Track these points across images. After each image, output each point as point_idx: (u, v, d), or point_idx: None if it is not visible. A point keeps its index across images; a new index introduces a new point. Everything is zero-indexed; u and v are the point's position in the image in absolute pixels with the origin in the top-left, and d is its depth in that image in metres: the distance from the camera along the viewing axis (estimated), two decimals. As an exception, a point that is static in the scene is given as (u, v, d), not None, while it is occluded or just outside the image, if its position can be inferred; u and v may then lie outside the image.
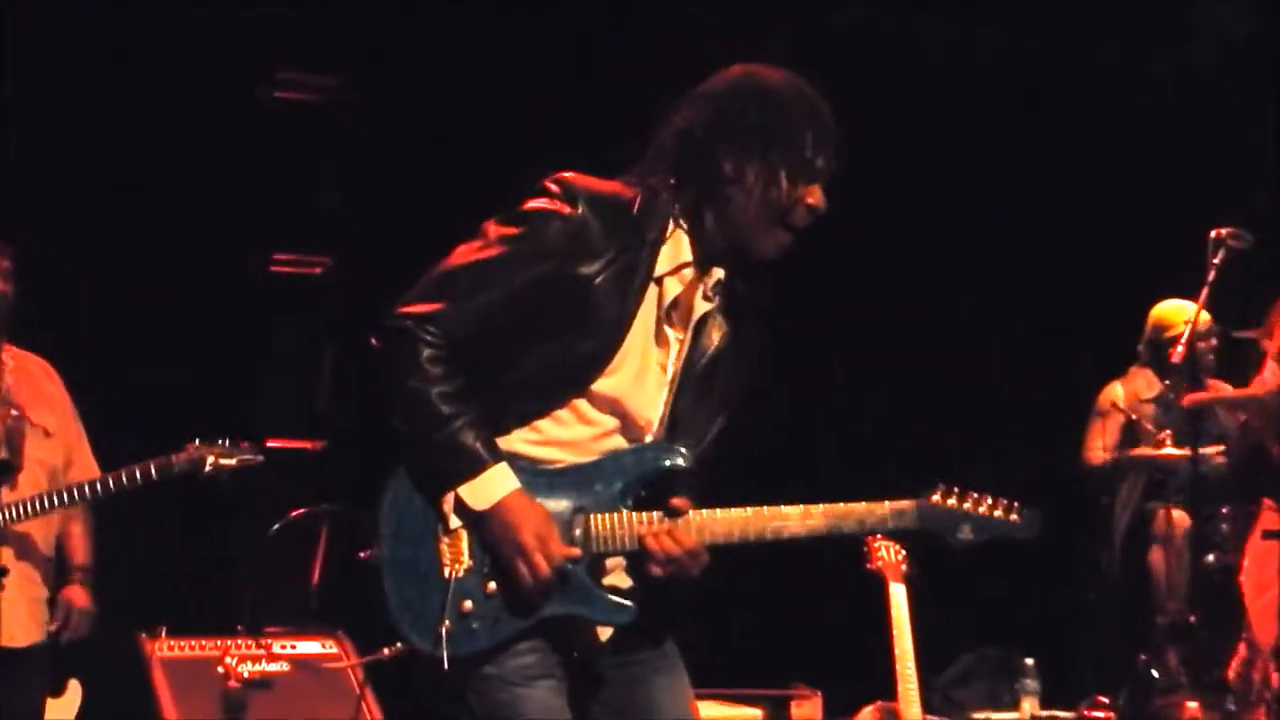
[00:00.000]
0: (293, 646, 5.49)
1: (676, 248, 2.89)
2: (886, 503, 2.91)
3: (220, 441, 4.93)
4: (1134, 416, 6.65)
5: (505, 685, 2.86)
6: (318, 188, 6.92)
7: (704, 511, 2.88)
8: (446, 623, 2.81)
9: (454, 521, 2.84)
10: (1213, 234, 5.45)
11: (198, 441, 4.91)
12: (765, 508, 2.89)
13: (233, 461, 4.94)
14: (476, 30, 7.02)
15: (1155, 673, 6.38)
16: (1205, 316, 6.20)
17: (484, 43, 7.04)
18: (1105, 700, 6.42)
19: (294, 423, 6.71)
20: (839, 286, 7.43)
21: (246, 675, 5.31)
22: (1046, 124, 7.96)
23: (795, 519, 2.88)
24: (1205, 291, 5.68)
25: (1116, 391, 6.90)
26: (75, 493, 4.88)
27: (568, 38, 7.00)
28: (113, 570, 6.01)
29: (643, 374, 2.91)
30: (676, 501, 2.87)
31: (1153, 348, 6.82)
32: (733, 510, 2.89)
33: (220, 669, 5.31)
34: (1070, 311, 7.65)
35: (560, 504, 2.88)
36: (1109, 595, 6.95)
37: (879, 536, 5.46)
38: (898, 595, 5.34)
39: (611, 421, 2.91)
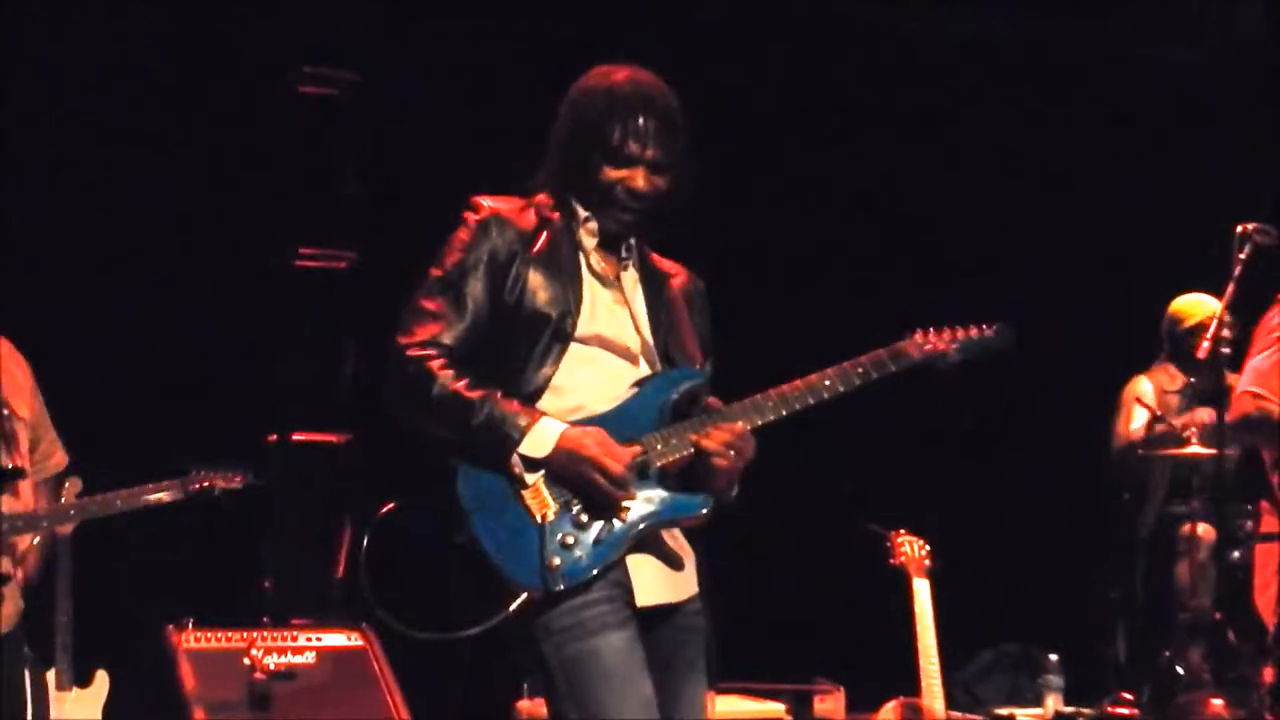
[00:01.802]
0: (318, 638, 5.51)
1: (579, 218, 3.31)
2: (881, 350, 3.35)
3: (218, 466, 5.08)
4: (1159, 411, 6.65)
5: (583, 635, 3.07)
6: (341, 182, 6.92)
7: (739, 403, 3.24)
8: (556, 559, 3.06)
9: (529, 477, 3.11)
10: (1239, 228, 5.43)
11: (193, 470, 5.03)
12: (783, 385, 3.27)
13: (236, 485, 5.09)
14: (500, 22, 7.04)
15: (1179, 669, 6.37)
16: (1214, 309, 6.19)
17: (507, 35, 7.06)
18: (1129, 697, 6.42)
19: (319, 416, 6.71)
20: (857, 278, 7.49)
21: (272, 667, 5.34)
22: (1069, 115, 7.95)
23: (816, 384, 3.27)
24: (1231, 286, 5.67)
25: (1142, 385, 6.90)
26: (79, 510, 4.90)
27: (591, 29, 7.01)
28: (139, 562, 6.07)
29: (609, 310, 3.28)
30: (711, 400, 3.25)
31: (1171, 340, 6.84)
32: (757, 395, 3.26)
33: (246, 660, 5.34)
34: (1093, 306, 7.65)
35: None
36: (1132, 592, 6.95)
37: (902, 533, 5.49)
38: (921, 590, 5.36)
39: (602, 354, 3.24)
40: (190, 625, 5.42)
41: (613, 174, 3.25)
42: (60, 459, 4.99)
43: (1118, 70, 7.97)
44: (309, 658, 5.44)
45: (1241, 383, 4.87)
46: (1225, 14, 7.81)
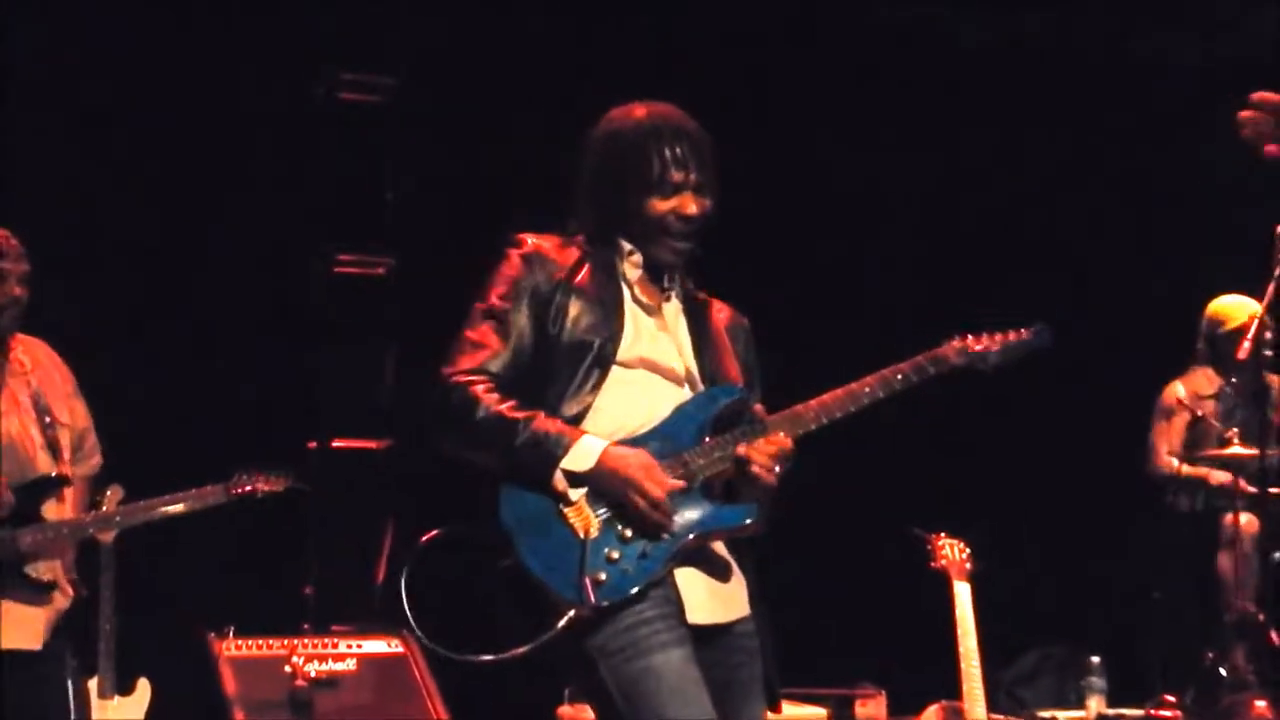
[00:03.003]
0: (359, 645, 5.53)
1: (623, 251, 3.33)
2: (921, 355, 3.36)
3: (261, 469, 5.10)
4: (1199, 413, 6.62)
5: (639, 654, 3.05)
6: (380, 188, 6.94)
7: (780, 414, 3.24)
8: (602, 574, 3.06)
9: (573, 494, 3.11)
10: (1278, 229, 5.38)
11: (238, 474, 5.06)
12: (825, 395, 3.28)
13: (279, 489, 5.11)
14: (535, 27, 7.05)
15: (1222, 670, 6.33)
16: (1254, 310, 6.15)
17: (543, 39, 7.08)
18: (1172, 699, 6.38)
19: (359, 422, 6.74)
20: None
21: (313, 674, 5.36)
22: (1102, 117, 7.92)
23: (857, 392, 3.29)
24: (1272, 287, 5.62)
25: (1178, 390, 6.87)
26: (123, 517, 4.94)
27: (626, 32, 7.01)
28: (181, 570, 6.10)
29: (653, 336, 3.29)
30: (757, 408, 3.24)
31: (1210, 343, 6.81)
32: (797, 406, 3.26)
33: (287, 668, 5.36)
34: (1129, 310, 7.61)
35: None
36: (1176, 593, 6.91)
37: (943, 536, 5.47)
38: (962, 593, 5.33)
39: (647, 376, 3.25)
40: (231, 633, 5.45)
41: (662, 206, 3.26)
42: (97, 460, 5.03)
43: (1143, 70, 7.93)
44: (350, 665, 5.46)
45: None
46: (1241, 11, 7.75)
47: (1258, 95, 3.21)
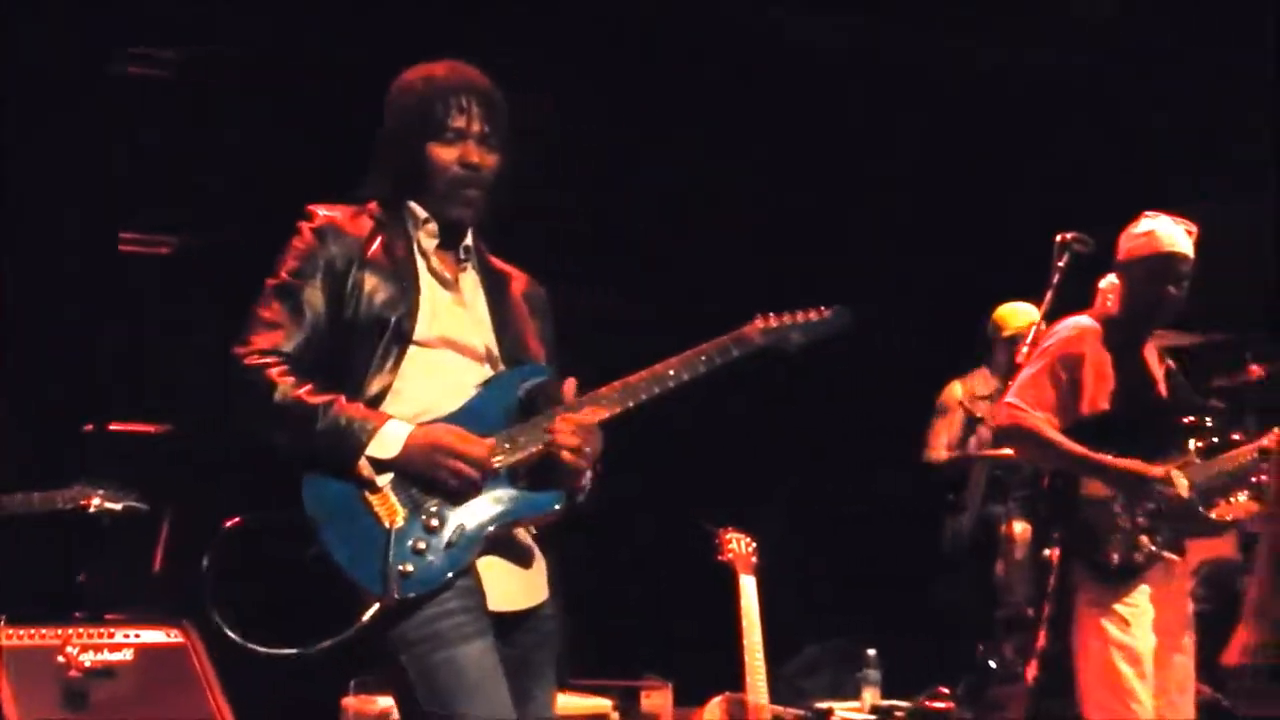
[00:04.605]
0: (136, 635, 5.39)
1: (418, 219, 3.30)
2: (725, 336, 3.36)
3: (107, 485, 5.00)
4: (977, 414, 6.80)
5: (440, 646, 3.03)
6: (166, 166, 6.78)
7: (585, 396, 3.23)
8: (408, 565, 3.02)
9: (379, 480, 3.07)
10: (1058, 238, 5.52)
11: (81, 484, 4.90)
12: (630, 376, 3.27)
13: (117, 507, 4.98)
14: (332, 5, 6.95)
15: (991, 663, 6.51)
16: (1034, 318, 6.32)
17: (336, 17, 6.97)
18: (945, 690, 6.55)
19: (137, 405, 6.58)
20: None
21: (88, 664, 5.21)
22: (892, 120, 8.07)
23: (661, 374, 3.27)
24: (1050, 294, 5.78)
25: (956, 390, 7.12)
26: None
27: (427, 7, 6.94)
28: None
29: (451, 312, 3.26)
30: (565, 389, 3.23)
31: (990, 347, 7.03)
32: (602, 388, 3.25)
33: (60, 658, 5.20)
34: (921, 310, 7.77)
35: None
36: (950, 588, 7.09)
37: (729, 530, 5.54)
38: (747, 587, 5.41)
39: (448, 355, 3.22)
40: (3, 622, 5.26)
41: (444, 153, 3.24)
42: None
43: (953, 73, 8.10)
44: (127, 655, 5.31)
45: (1008, 394, 5.05)
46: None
47: None
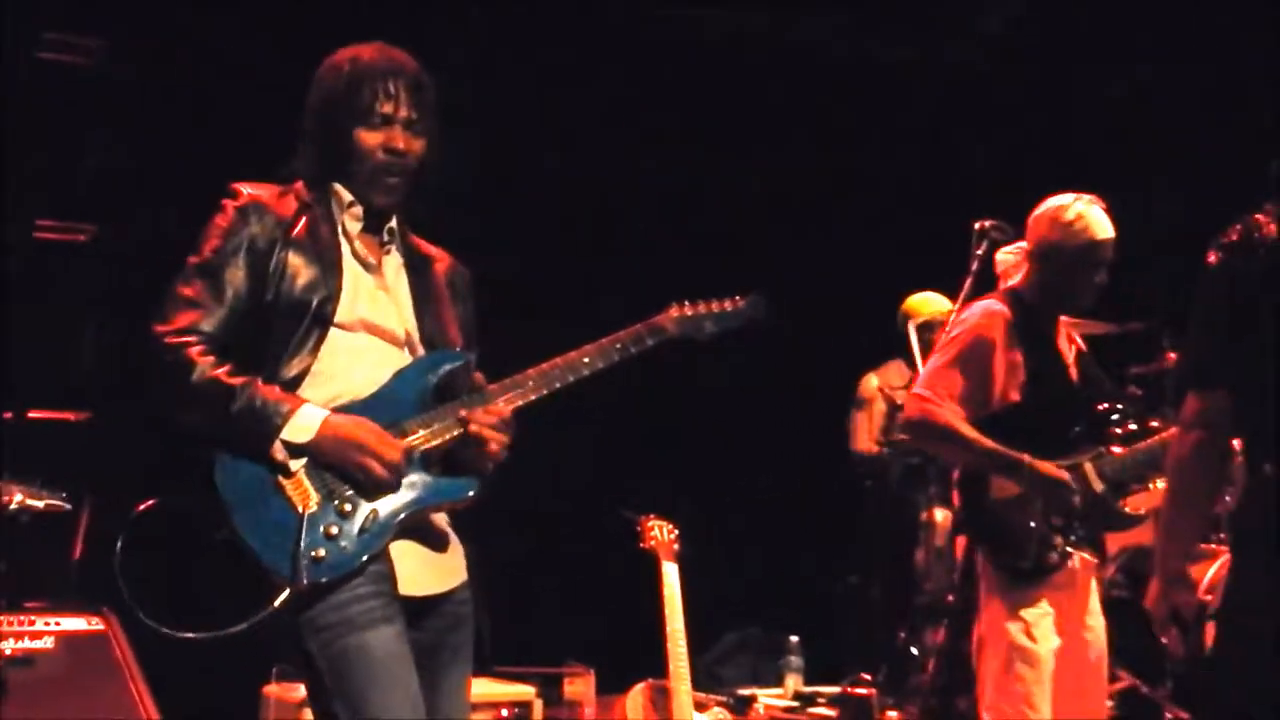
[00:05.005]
0: (56, 623, 5.34)
1: (342, 202, 3.29)
2: (639, 325, 3.40)
3: (28, 481, 4.92)
4: (898, 401, 6.85)
5: (349, 631, 3.02)
6: (82, 153, 6.71)
7: (499, 383, 3.24)
8: (320, 550, 3.00)
9: (292, 465, 3.05)
10: (976, 225, 5.55)
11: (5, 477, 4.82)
12: (544, 364, 3.29)
13: (39, 505, 4.90)
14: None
15: (913, 650, 6.57)
16: (946, 306, 6.36)
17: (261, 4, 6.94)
18: (867, 677, 6.60)
19: (56, 393, 6.51)
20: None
21: (8, 652, 5.16)
22: (822, 113, 8.13)
23: (575, 362, 3.30)
24: (969, 282, 5.83)
25: (872, 381, 7.19)
26: None
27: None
28: None
29: (372, 295, 3.24)
30: (477, 377, 3.23)
31: (901, 337, 7.07)
32: (517, 375, 3.27)
33: (-21, 645, 5.16)
34: (836, 302, 7.83)
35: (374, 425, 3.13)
36: (872, 576, 7.14)
37: (652, 517, 5.55)
38: (670, 574, 5.42)
39: (367, 339, 3.21)
40: (-80, 609, 5.22)
41: (369, 138, 3.23)
42: None
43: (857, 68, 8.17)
44: (48, 643, 5.26)
45: (916, 383, 4.83)
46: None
47: None
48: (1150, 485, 6.10)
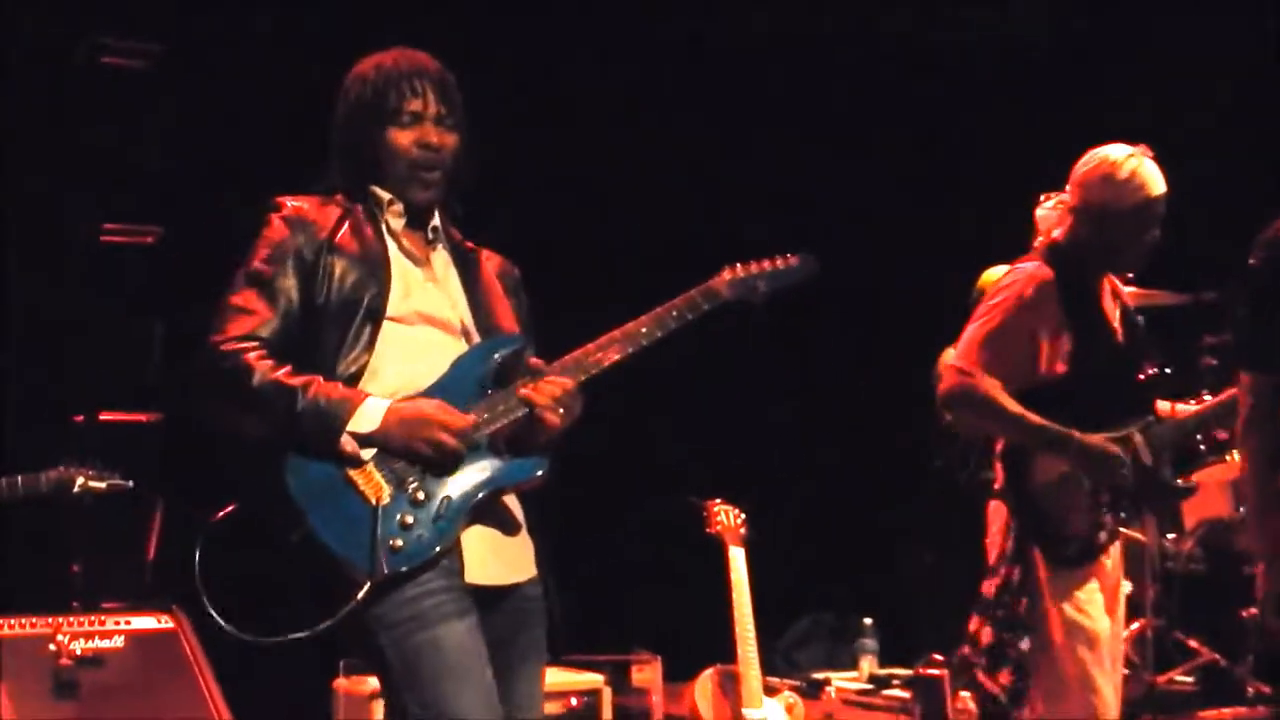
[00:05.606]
0: (126, 622, 5.39)
1: (382, 202, 3.31)
2: (693, 290, 3.34)
3: (91, 464, 4.91)
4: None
5: (422, 626, 3.01)
6: (147, 155, 6.78)
7: (558, 361, 3.22)
8: (397, 540, 3.01)
9: (364, 455, 3.06)
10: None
11: (64, 465, 4.87)
12: (601, 337, 3.25)
13: (102, 485, 4.95)
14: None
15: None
16: None
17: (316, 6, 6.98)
18: (940, 658, 6.54)
19: (126, 395, 6.58)
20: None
21: (79, 652, 5.22)
22: (880, 96, 8.07)
23: (633, 332, 3.25)
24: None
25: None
26: None
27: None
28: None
29: (423, 288, 3.26)
30: (532, 361, 3.22)
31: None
32: (576, 352, 3.23)
33: (52, 646, 5.21)
34: (914, 280, 7.76)
35: None
36: (946, 555, 7.07)
37: (718, 502, 5.53)
38: (737, 559, 5.42)
39: (425, 331, 3.22)
40: (-6, 611, 5.28)
41: (402, 137, 3.27)
42: None
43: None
44: (118, 642, 5.31)
45: (953, 355, 4.48)
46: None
47: None
48: (1227, 457, 6.02)
